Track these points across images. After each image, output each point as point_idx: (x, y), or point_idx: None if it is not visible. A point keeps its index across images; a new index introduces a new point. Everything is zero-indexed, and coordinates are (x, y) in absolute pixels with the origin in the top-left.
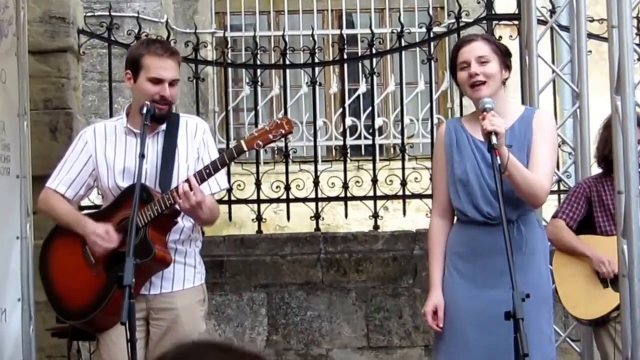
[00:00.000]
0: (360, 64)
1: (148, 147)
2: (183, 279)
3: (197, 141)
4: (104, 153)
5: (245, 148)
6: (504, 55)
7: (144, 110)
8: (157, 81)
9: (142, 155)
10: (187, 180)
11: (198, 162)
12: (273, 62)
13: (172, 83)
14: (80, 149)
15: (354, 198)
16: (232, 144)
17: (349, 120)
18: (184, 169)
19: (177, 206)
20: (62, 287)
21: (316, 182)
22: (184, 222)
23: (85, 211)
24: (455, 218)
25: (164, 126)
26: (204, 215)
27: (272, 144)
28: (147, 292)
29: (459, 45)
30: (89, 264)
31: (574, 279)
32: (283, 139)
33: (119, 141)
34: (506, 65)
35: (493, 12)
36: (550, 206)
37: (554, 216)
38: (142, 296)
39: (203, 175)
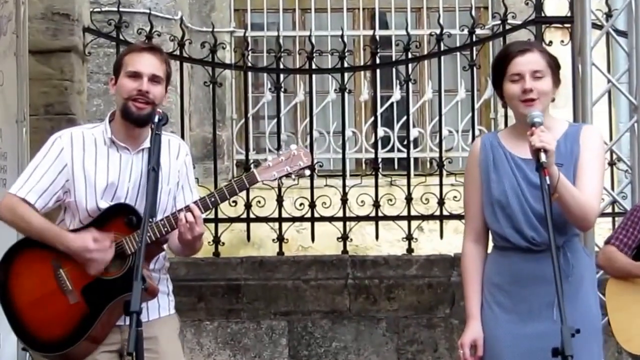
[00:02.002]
0: (394, 69)
1: (132, 163)
2: (158, 306)
3: (179, 163)
4: (82, 166)
5: (259, 179)
6: (557, 69)
7: (156, 119)
8: (134, 75)
9: (152, 169)
10: (189, 209)
11: (177, 188)
12: (298, 65)
13: (154, 80)
14: (54, 156)
15: (385, 218)
16: (252, 155)
17: (381, 131)
18: (165, 192)
19: (171, 234)
20: (30, 315)
21: (344, 200)
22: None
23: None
24: (492, 245)
25: (148, 143)
26: (198, 247)
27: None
28: (123, 323)
29: (512, 54)
30: (64, 290)
31: (628, 309)
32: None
33: (100, 154)
34: (557, 80)
35: (543, 15)
36: (603, 229)
37: (607, 242)
38: (117, 327)
39: (207, 204)
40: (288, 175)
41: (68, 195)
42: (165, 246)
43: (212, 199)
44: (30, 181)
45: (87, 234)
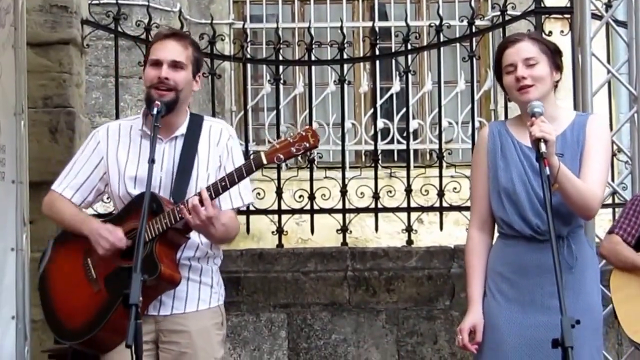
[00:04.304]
0: (394, 61)
1: (164, 152)
2: (197, 299)
3: (220, 148)
4: (116, 155)
5: (265, 161)
6: (554, 54)
7: (154, 111)
8: (155, 63)
9: (151, 161)
10: (199, 193)
11: (219, 171)
12: (297, 57)
13: (175, 65)
14: (91, 149)
15: (385, 209)
16: (252, 147)
17: (380, 123)
18: (203, 179)
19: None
20: (60, 304)
21: (343, 191)
22: (200, 239)
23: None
24: (497, 233)
25: (184, 129)
26: (216, 233)
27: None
28: (157, 313)
29: (504, 46)
30: (90, 279)
31: (635, 301)
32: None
33: (133, 144)
34: (557, 65)
35: (542, 5)
36: (603, 220)
37: (610, 232)
38: (151, 317)
39: (218, 188)
40: (294, 157)
41: (108, 187)
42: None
43: (222, 183)
44: (68, 177)
45: (111, 225)
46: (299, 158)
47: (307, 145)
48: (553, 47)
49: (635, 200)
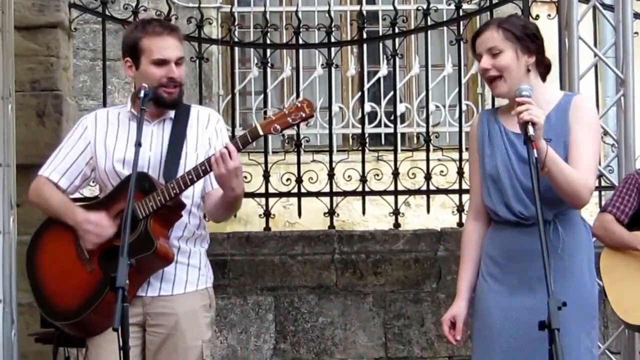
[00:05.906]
0: (381, 44)
1: (153, 133)
2: (185, 281)
3: (208, 131)
4: (104, 140)
5: (261, 132)
6: (521, 40)
7: (141, 94)
8: (161, 62)
9: (138, 144)
10: (226, 145)
11: (210, 152)
12: (285, 41)
13: (178, 62)
14: (78, 135)
15: (372, 193)
16: (238, 131)
17: (368, 106)
18: (192, 158)
19: (207, 198)
20: (51, 284)
21: (331, 175)
22: (189, 219)
23: (80, 203)
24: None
25: (172, 113)
26: (238, 189)
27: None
28: (144, 294)
29: (474, 36)
30: (82, 260)
31: (626, 280)
32: (296, 126)
33: (122, 128)
34: (528, 49)
35: None
36: (590, 204)
37: (602, 210)
38: (139, 298)
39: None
40: (290, 127)
41: (95, 172)
42: (200, 217)
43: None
44: (55, 161)
45: (97, 213)
46: (287, 142)
47: (303, 115)
48: (521, 31)
49: (628, 179)
